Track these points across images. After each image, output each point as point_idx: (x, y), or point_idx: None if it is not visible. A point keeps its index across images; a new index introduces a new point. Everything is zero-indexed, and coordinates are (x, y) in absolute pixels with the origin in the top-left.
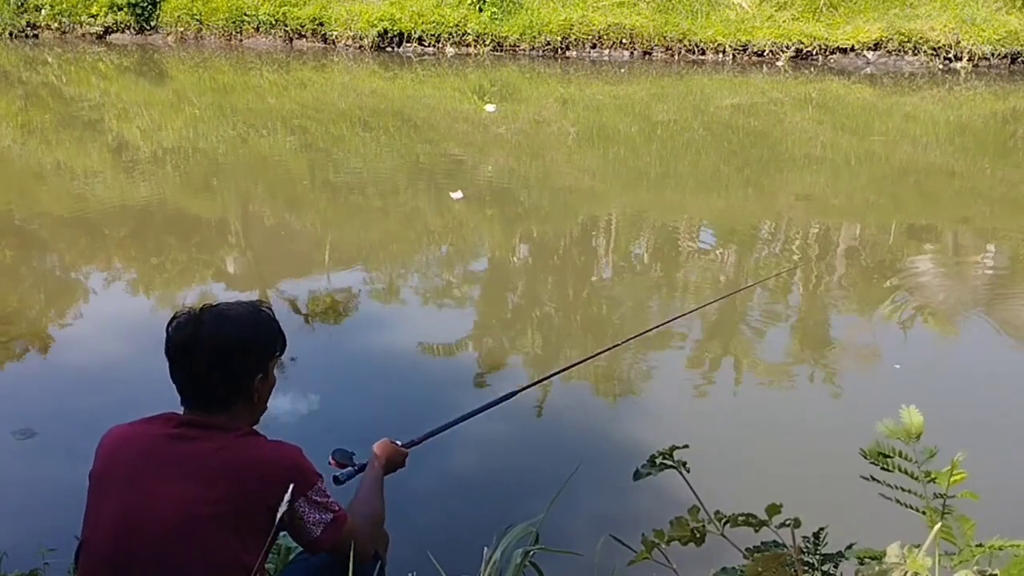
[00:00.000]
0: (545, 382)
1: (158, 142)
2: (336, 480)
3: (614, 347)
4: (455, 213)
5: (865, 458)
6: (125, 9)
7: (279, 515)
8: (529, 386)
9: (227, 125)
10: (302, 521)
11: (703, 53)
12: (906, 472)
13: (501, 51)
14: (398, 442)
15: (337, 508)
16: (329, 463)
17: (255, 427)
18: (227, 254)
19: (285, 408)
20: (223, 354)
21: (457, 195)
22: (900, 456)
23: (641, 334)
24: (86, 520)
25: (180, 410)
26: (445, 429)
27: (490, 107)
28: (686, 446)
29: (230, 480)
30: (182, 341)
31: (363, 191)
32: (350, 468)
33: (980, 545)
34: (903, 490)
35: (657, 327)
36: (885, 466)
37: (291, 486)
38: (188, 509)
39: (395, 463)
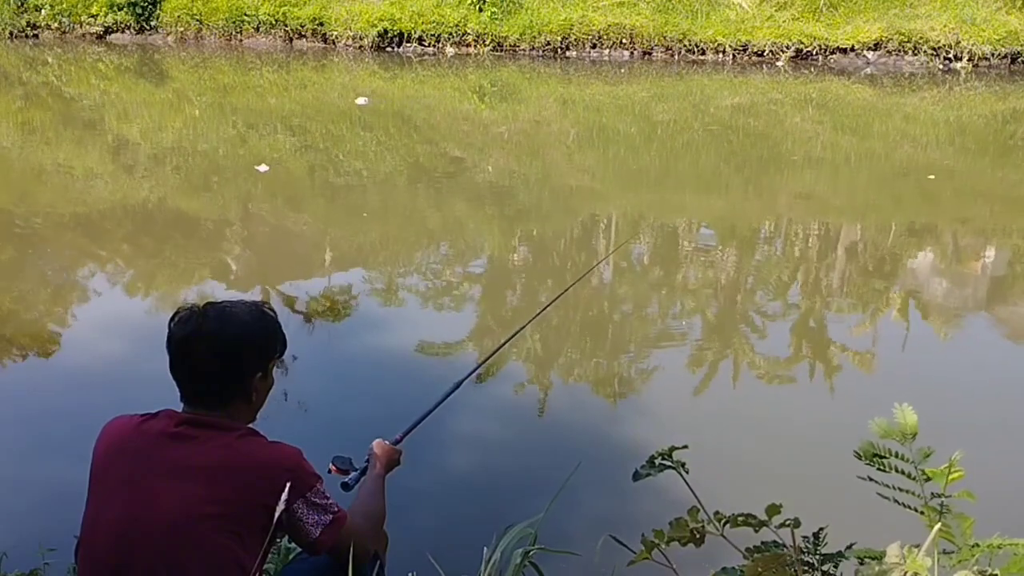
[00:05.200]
0: (544, 382)
1: (158, 142)
2: (345, 487)
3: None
4: (455, 214)
5: (859, 459)
6: (125, 9)
7: (276, 515)
8: (482, 363)
9: (227, 125)
10: (301, 522)
11: (703, 53)
12: (902, 472)
13: (501, 51)
14: (387, 441)
15: (336, 509)
16: (330, 471)
17: (252, 426)
18: (227, 254)
19: (285, 408)
20: (225, 350)
21: (362, 101)
22: (896, 456)
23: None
24: (85, 518)
25: (179, 408)
26: (425, 418)
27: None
28: (685, 446)
29: (230, 481)
30: (184, 336)
31: (363, 191)
32: (354, 473)
33: (976, 545)
34: (900, 490)
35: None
36: (881, 467)
37: (288, 487)
38: (188, 509)
39: (393, 461)
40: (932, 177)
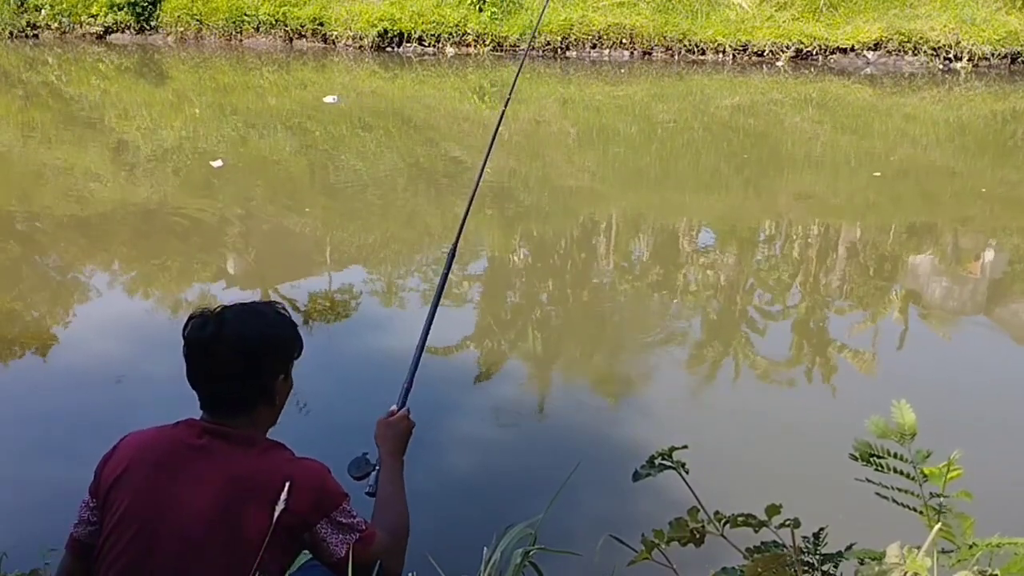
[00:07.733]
0: (544, 382)
1: (158, 142)
2: (371, 494)
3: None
4: (455, 214)
5: (856, 460)
6: (125, 9)
7: (270, 527)
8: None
9: (227, 125)
10: (325, 543)
11: (703, 53)
12: (900, 472)
13: (501, 51)
14: (393, 408)
15: (364, 527)
16: (355, 479)
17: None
18: (227, 254)
19: (285, 409)
20: (248, 352)
21: (331, 99)
22: (892, 456)
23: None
24: (103, 528)
25: (196, 415)
26: (417, 365)
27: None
28: (685, 447)
29: (252, 497)
30: (204, 341)
31: (363, 191)
32: (373, 473)
33: (974, 544)
34: (899, 490)
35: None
36: (878, 467)
37: (282, 501)
38: (207, 525)
39: (404, 433)
40: (878, 174)
